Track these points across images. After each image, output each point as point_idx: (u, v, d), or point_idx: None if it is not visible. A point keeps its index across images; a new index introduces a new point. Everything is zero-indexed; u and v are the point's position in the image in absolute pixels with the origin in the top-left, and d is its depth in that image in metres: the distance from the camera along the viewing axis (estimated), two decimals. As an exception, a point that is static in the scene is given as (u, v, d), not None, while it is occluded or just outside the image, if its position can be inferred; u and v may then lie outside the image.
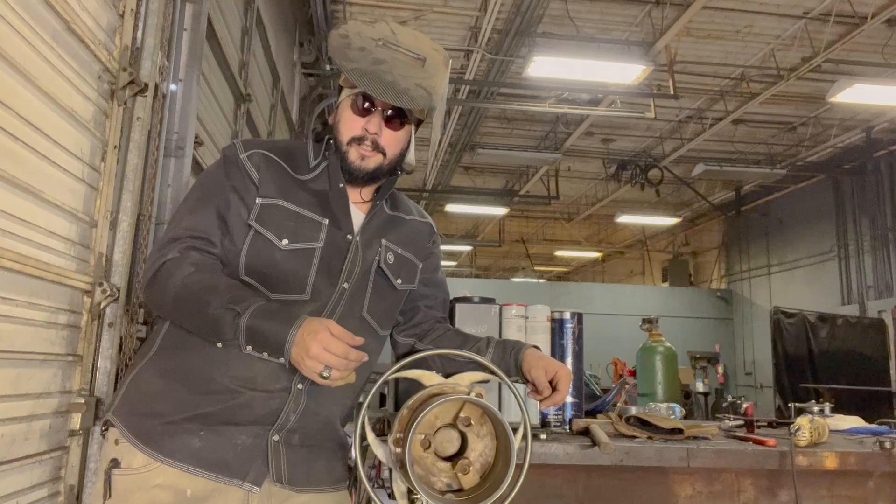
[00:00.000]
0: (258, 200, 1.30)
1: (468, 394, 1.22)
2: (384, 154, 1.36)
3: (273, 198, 1.31)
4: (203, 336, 1.22)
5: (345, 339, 1.12)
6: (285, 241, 1.28)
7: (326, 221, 1.33)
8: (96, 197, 2.10)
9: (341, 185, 1.37)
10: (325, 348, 1.10)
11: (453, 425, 1.25)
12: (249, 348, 1.17)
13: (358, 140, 1.34)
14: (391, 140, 1.36)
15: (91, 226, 2.08)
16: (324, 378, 1.12)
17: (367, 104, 1.33)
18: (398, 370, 1.29)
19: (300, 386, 1.26)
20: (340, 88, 1.41)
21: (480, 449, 1.25)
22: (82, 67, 1.95)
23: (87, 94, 1.99)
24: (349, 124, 1.35)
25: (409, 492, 1.22)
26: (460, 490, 1.24)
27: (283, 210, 1.30)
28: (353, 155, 1.34)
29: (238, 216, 1.29)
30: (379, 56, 1.27)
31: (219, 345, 1.21)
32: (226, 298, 1.17)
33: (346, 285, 1.33)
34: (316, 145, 1.42)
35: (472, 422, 1.24)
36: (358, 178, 1.36)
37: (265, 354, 1.18)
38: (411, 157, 1.44)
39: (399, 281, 1.43)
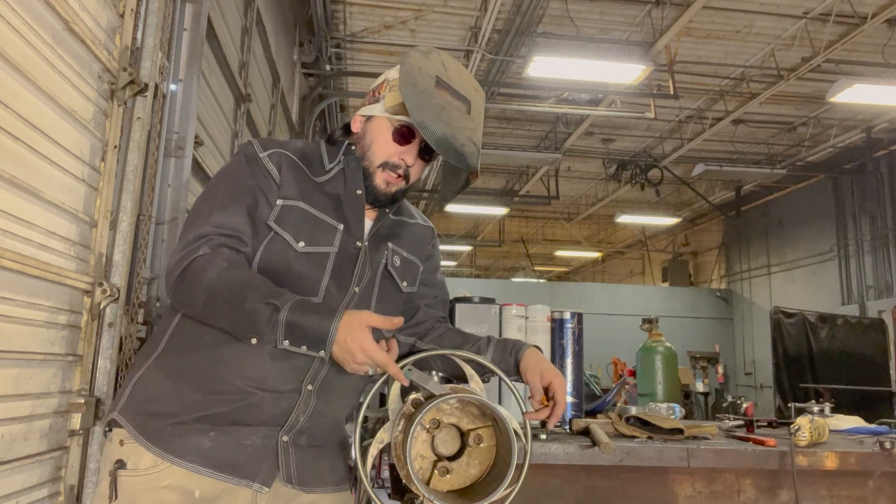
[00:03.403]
0: (278, 202, 1.30)
1: (510, 425, 1.22)
2: (407, 180, 1.40)
3: (293, 199, 1.31)
4: (236, 331, 1.21)
5: (384, 326, 1.18)
6: (301, 244, 1.29)
7: (341, 227, 1.34)
8: (96, 197, 2.10)
9: (359, 192, 1.38)
10: (369, 356, 1.15)
11: (462, 433, 1.26)
12: (286, 343, 1.16)
13: (392, 167, 1.36)
14: (418, 170, 1.41)
15: (91, 226, 2.08)
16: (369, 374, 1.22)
17: (409, 135, 1.35)
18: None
19: (310, 387, 1.27)
20: (373, 94, 1.41)
21: (466, 466, 1.26)
22: (82, 67, 1.95)
23: (87, 94, 1.99)
24: (385, 148, 1.36)
25: (409, 491, 1.22)
26: (462, 489, 1.25)
27: (302, 212, 1.31)
28: (380, 180, 1.37)
29: (261, 216, 1.30)
30: (439, 102, 1.29)
31: (253, 341, 1.20)
32: (262, 293, 1.17)
33: (356, 289, 1.34)
34: (331, 147, 1.43)
35: (481, 444, 1.25)
36: (380, 202, 1.40)
37: (303, 348, 1.18)
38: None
39: (405, 283, 1.45)
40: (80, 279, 1.99)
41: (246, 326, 1.18)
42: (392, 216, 1.48)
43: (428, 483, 1.23)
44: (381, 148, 1.37)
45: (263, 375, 1.24)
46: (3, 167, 1.58)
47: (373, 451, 1.24)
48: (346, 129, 1.45)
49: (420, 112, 1.24)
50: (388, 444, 1.25)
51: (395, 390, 1.26)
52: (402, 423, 1.23)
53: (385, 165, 1.36)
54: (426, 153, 1.38)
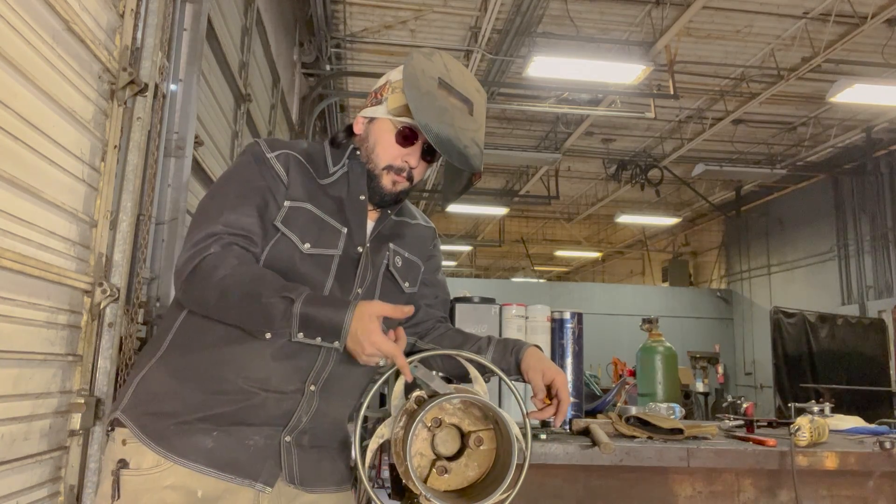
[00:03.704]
0: (286, 203, 1.31)
1: (509, 426, 1.22)
2: (411, 181, 1.41)
3: (301, 201, 1.32)
4: (251, 327, 1.22)
5: (396, 315, 1.19)
6: (307, 245, 1.29)
7: (345, 230, 1.35)
8: (96, 197, 2.10)
9: (362, 196, 1.39)
10: (378, 349, 1.15)
11: (463, 435, 1.26)
12: (301, 335, 1.17)
13: (396, 169, 1.37)
14: (421, 171, 1.41)
15: (91, 226, 2.08)
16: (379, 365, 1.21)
17: (412, 137, 1.35)
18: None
19: (312, 387, 1.28)
20: (375, 96, 1.41)
21: (465, 467, 1.26)
22: (82, 67, 1.95)
23: (87, 94, 1.99)
24: (389, 151, 1.37)
25: (410, 491, 1.22)
26: (461, 490, 1.25)
27: (308, 214, 1.32)
28: (386, 181, 1.38)
29: (269, 217, 1.30)
30: (441, 104, 1.30)
31: (267, 335, 1.22)
32: (275, 287, 1.18)
33: (359, 291, 1.35)
34: (335, 150, 1.43)
35: (481, 446, 1.25)
36: (386, 201, 1.41)
37: (318, 340, 1.19)
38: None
39: (406, 284, 1.46)
40: (80, 279, 1.99)
41: (261, 321, 1.19)
42: (394, 217, 1.48)
43: (425, 482, 1.23)
44: (385, 150, 1.37)
45: (266, 376, 1.24)
46: (3, 167, 1.59)
47: (372, 446, 1.24)
48: (349, 130, 1.45)
49: (423, 114, 1.24)
50: (388, 442, 1.25)
51: (398, 386, 1.26)
52: (403, 419, 1.23)
53: (389, 168, 1.37)
54: (429, 154, 1.38)
